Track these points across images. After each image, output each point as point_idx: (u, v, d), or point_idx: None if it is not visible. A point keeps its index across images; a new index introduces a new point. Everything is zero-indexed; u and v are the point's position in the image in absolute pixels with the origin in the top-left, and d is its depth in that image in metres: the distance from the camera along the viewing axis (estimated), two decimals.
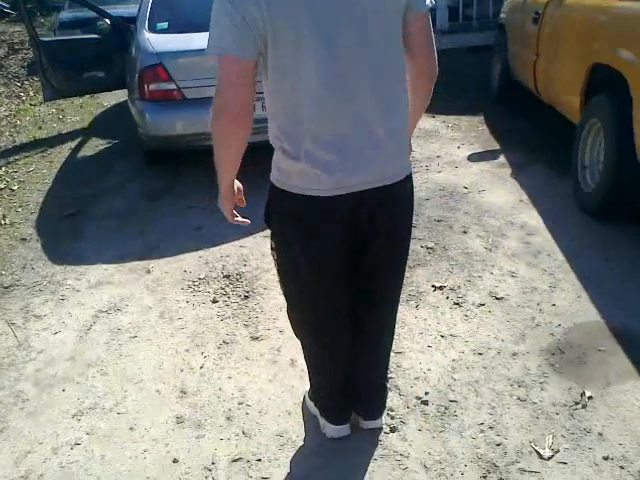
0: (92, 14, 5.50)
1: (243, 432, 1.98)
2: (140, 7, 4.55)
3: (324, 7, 1.30)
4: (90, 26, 5.74)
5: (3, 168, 4.87)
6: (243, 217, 1.75)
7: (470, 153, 4.48)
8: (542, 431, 1.87)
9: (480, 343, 2.32)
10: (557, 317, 2.46)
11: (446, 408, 2.01)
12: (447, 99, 5.37)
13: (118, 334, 2.58)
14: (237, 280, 2.95)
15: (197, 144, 3.82)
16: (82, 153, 5.25)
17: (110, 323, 2.66)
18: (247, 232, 3.41)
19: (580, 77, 3.46)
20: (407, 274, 2.84)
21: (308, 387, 2.06)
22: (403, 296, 2.68)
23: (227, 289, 2.87)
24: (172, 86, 3.71)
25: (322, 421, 1.94)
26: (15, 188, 4.42)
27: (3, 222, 3.82)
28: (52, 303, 2.85)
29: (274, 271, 2.97)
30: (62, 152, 5.27)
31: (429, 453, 1.83)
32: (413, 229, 3.31)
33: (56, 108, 6.88)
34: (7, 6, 19.32)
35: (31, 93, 7.69)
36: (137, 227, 3.62)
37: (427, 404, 2.03)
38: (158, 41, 3.92)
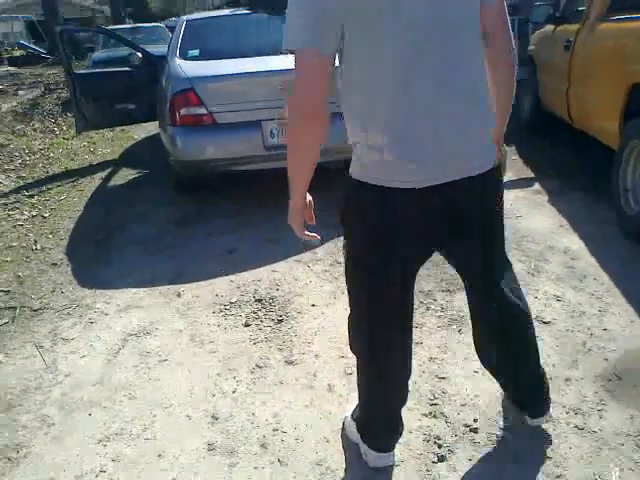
0: (124, 53, 5.65)
1: (279, 460, 1.86)
2: (172, 38, 4.64)
3: None
4: (122, 64, 5.87)
5: (36, 197, 4.91)
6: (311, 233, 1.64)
7: (504, 181, 4.37)
8: (606, 463, 1.71)
9: None
10: (610, 342, 2.30)
11: (497, 436, 1.86)
12: None
13: (147, 358, 2.49)
14: (270, 304, 2.85)
15: (227, 169, 3.81)
16: (112, 182, 5.28)
17: (139, 347, 2.58)
18: (279, 257, 3.35)
19: (619, 99, 3.37)
20: (448, 298, 2.76)
21: (348, 413, 1.94)
22: (445, 320, 2.58)
23: (259, 313, 2.78)
24: (203, 111, 3.70)
25: (364, 448, 1.80)
26: (47, 215, 4.44)
27: (34, 247, 3.81)
28: (80, 326, 2.78)
29: (308, 295, 2.95)
30: (93, 182, 5.31)
31: None
32: None
33: (88, 141, 7.00)
34: (44, 52, 20.19)
35: (64, 128, 7.85)
36: (166, 252, 3.58)
37: (476, 432, 1.89)
38: (189, 67, 3.95)
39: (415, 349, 2.34)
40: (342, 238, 1.62)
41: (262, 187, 4.51)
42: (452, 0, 1.33)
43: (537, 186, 4.24)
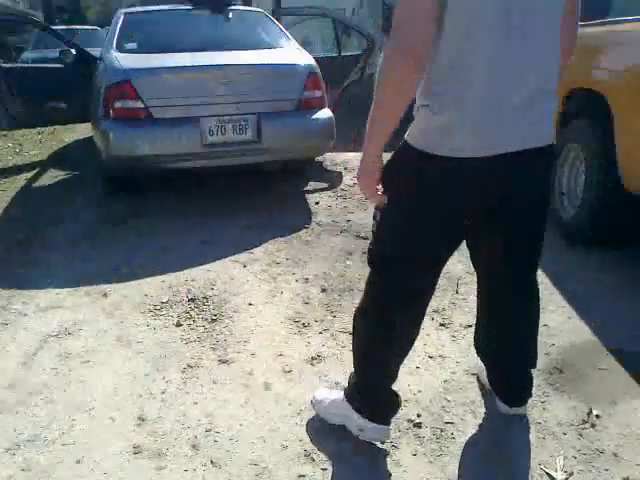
0: (57, 54, 5.34)
1: (211, 461, 1.72)
2: (108, 32, 4.44)
3: None
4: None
5: None
6: None
7: None
8: (551, 452, 1.67)
9: (472, 363, 2.12)
10: (551, 337, 2.30)
11: (442, 430, 1.79)
12: None
13: (68, 359, 2.29)
14: (203, 304, 2.70)
15: (163, 166, 3.63)
16: (39, 183, 4.97)
17: (60, 348, 2.37)
18: (215, 257, 3.20)
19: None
20: None
21: (321, 397, 1.88)
22: None
23: (192, 313, 2.62)
24: (139, 104, 3.52)
25: (359, 423, 1.72)
26: None
27: None
28: None
29: (244, 295, 2.82)
30: (17, 182, 4.97)
31: (427, 479, 1.59)
32: None
33: (13, 142, 6.60)
34: None
35: None
36: (94, 252, 3.35)
37: (420, 427, 1.81)
38: (126, 59, 3.77)
39: None
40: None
41: (199, 187, 4.37)
42: None
43: None
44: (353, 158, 5.06)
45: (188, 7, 4.55)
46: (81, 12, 32.74)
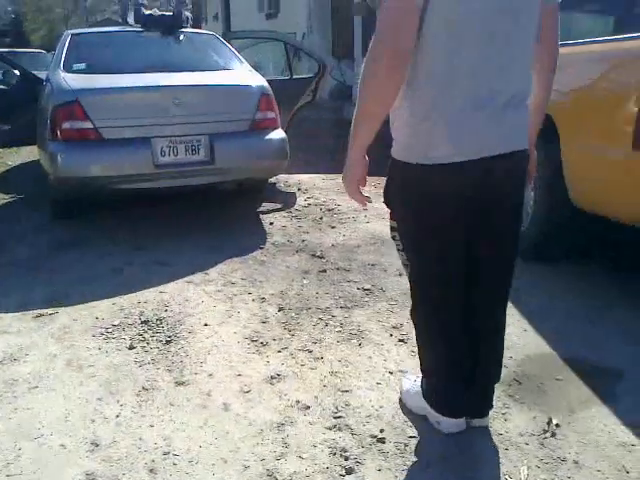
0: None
1: None
2: (55, 52, 4.34)
3: None
4: None
5: None
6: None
7: None
8: (514, 463, 1.68)
9: None
10: (507, 350, 2.30)
11: (406, 445, 1.77)
12: None
13: (13, 386, 2.17)
14: (157, 325, 2.62)
15: (114, 187, 3.54)
16: None
17: (4, 375, 2.24)
18: (168, 278, 3.13)
19: None
20: (346, 314, 2.69)
21: (409, 386, 1.98)
22: (344, 335, 2.49)
23: (146, 335, 2.54)
24: (89, 125, 3.43)
25: (434, 417, 1.82)
26: None
27: None
28: None
29: (199, 315, 2.75)
30: None
31: None
32: (347, 273, 3.17)
33: None
34: None
35: None
36: (42, 275, 3.22)
37: (384, 442, 1.79)
38: (74, 79, 3.68)
39: (315, 364, 2.25)
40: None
41: (152, 208, 4.28)
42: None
43: None
44: (307, 179, 5.08)
45: (138, 29, 4.52)
46: (25, 36, 32.02)
